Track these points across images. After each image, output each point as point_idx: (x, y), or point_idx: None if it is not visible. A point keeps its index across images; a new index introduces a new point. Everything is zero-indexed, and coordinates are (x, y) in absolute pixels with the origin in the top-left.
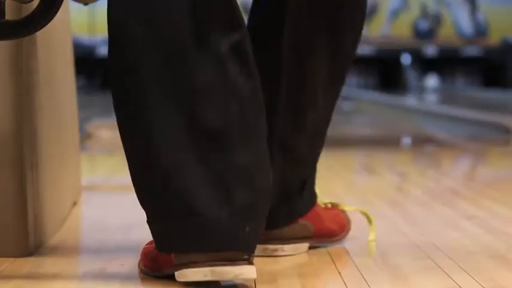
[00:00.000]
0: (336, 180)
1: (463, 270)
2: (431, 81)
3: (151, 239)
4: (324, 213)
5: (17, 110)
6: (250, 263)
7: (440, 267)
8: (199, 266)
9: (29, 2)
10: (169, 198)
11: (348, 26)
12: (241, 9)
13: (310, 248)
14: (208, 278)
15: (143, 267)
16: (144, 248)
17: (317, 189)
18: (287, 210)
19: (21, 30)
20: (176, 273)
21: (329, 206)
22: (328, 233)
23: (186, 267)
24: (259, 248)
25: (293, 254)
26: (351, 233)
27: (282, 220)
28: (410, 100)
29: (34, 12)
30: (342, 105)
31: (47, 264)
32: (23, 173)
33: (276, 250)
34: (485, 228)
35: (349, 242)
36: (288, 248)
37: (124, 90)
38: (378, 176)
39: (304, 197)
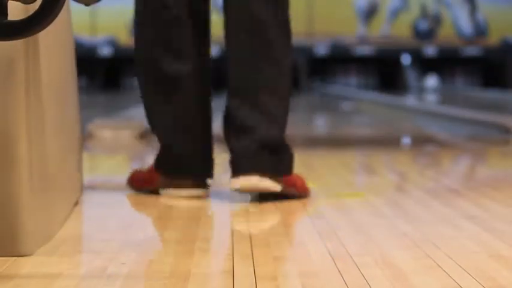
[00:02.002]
0: (336, 180)
1: (463, 269)
2: (431, 81)
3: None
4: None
5: (21, 111)
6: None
7: (440, 267)
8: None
9: (31, 2)
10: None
11: None
12: None
13: (310, 247)
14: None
15: (132, 185)
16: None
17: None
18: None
19: (24, 30)
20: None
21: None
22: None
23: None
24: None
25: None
26: (350, 232)
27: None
28: (410, 100)
29: (36, 13)
30: (342, 105)
31: (48, 263)
32: (24, 173)
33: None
34: (485, 228)
35: (349, 242)
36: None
37: None
38: (377, 176)
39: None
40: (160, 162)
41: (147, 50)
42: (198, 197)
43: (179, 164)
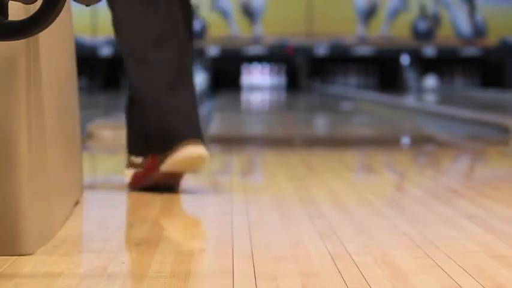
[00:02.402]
0: (336, 180)
1: (462, 269)
2: (430, 81)
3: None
4: None
5: (21, 111)
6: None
7: (439, 266)
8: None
9: (32, 2)
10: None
11: None
12: (241, 9)
13: (310, 247)
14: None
15: (133, 186)
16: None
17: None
18: None
19: (24, 30)
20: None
21: None
22: None
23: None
24: None
25: None
26: (350, 232)
27: None
28: (409, 100)
29: (37, 13)
30: (342, 105)
31: (49, 263)
32: (24, 173)
33: None
34: (484, 227)
35: (349, 242)
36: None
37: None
38: (377, 176)
39: None
40: (150, 145)
41: None
42: (197, 192)
43: (169, 133)
